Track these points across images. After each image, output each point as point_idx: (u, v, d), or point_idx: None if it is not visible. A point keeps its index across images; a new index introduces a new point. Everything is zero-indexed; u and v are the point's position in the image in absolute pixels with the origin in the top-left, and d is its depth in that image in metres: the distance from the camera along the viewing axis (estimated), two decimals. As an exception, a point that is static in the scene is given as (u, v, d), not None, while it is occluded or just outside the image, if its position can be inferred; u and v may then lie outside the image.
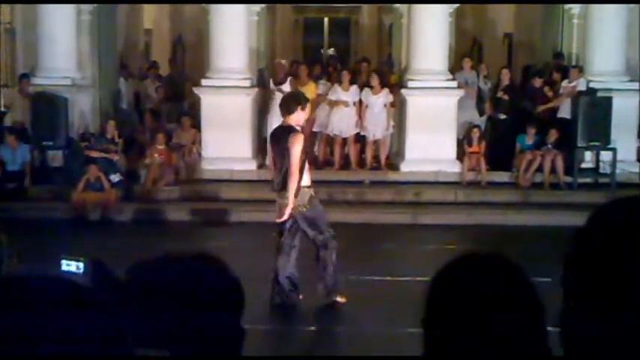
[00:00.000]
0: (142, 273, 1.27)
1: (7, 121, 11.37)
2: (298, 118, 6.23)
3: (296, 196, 6.06)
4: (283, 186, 6.17)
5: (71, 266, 1.64)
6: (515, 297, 1.21)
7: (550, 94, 11.53)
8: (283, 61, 11.83)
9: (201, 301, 1.23)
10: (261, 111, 11.44)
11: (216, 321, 1.23)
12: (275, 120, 11.00)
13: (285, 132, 6.18)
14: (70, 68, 11.15)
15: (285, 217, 6.14)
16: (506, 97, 11.70)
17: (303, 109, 6.23)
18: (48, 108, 10.55)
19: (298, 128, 6.24)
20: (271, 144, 6.44)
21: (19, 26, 12.38)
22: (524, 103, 11.67)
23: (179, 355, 1.20)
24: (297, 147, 6.03)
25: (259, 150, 11.24)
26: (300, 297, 6.36)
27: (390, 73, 12.87)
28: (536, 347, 1.20)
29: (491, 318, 1.18)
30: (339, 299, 6.34)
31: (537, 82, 11.64)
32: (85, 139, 10.77)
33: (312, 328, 6.21)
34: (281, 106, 6.36)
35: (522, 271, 1.24)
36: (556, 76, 11.79)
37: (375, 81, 11.20)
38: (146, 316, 1.20)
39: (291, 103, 6.26)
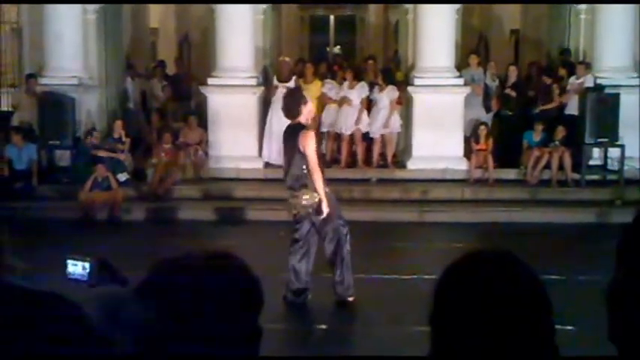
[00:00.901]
0: (162, 271, 1.27)
1: (15, 121, 11.40)
2: (306, 116, 6.19)
3: (316, 191, 6.04)
4: (294, 185, 6.15)
5: (77, 266, 1.64)
6: (523, 294, 1.20)
7: (557, 91, 11.48)
8: (287, 59, 11.83)
9: (221, 299, 1.23)
10: (266, 109, 11.45)
11: (235, 319, 1.23)
12: (275, 117, 11.05)
13: (295, 131, 6.15)
14: (77, 68, 11.17)
15: (325, 212, 6.07)
16: (513, 93, 11.66)
17: (305, 103, 6.16)
18: (55, 108, 10.59)
19: (307, 124, 6.20)
20: (283, 143, 6.42)
21: (25, 26, 12.42)
22: (535, 101, 11.60)
23: (198, 353, 1.20)
24: (310, 146, 6.00)
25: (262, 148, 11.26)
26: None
27: (396, 70, 12.84)
28: (544, 345, 1.19)
29: (499, 315, 1.17)
30: (350, 299, 6.33)
31: (547, 80, 11.58)
32: (89, 134, 10.73)
33: (322, 326, 6.21)
34: (284, 110, 6.33)
35: (530, 268, 1.23)
36: (562, 72, 11.74)
37: (380, 80, 11.20)
38: (165, 314, 1.21)
39: (293, 105, 6.21)
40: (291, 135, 6.18)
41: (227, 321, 1.22)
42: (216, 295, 1.23)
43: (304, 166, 6.04)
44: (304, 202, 6.07)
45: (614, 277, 1.03)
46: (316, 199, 6.06)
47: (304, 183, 6.08)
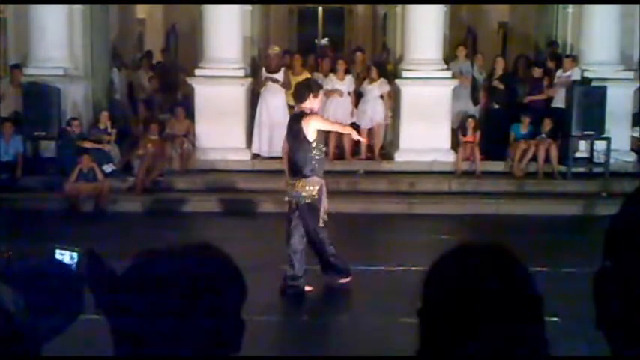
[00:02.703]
0: (144, 263, 1.26)
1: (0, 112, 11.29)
2: (311, 105, 6.26)
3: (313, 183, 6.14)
4: (295, 174, 6.18)
5: (65, 256, 1.62)
6: (513, 287, 1.20)
7: (546, 83, 11.52)
8: (277, 49, 11.78)
9: (202, 291, 1.21)
10: (254, 100, 11.40)
11: (216, 312, 1.22)
12: (265, 109, 11.04)
13: (297, 117, 6.24)
14: (63, 58, 11.06)
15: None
16: (501, 85, 11.67)
17: (315, 95, 6.26)
18: (40, 98, 10.48)
19: (305, 111, 6.27)
20: (286, 132, 6.41)
21: (10, 16, 12.27)
22: (520, 93, 11.63)
23: (178, 346, 1.19)
24: (318, 122, 6.13)
25: (251, 139, 11.23)
26: (308, 288, 6.40)
27: (386, 63, 12.83)
28: (534, 337, 1.19)
29: (489, 308, 1.17)
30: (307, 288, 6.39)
31: (537, 72, 11.61)
32: (68, 124, 10.59)
33: (305, 318, 6.22)
34: (294, 94, 6.56)
35: (520, 261, 1.23)
36: (551, 64, 11.78)
37: (373, 72, 11.18)
38: (146, 306, 1.20)
39: (302, 91, 6.31)
40: (294, 123, 6.24)
41: (209, 313, 1.21)
42: (197, 287, 1.22)
43: (306, 154, 6.09)
44: (302, 193, 6.10)
45: (602, 265, 1.04)
46: (314, 192, 6.10)
47: (304, 173, 6.12)
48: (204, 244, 1.30)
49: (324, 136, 11.34)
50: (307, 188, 6.13)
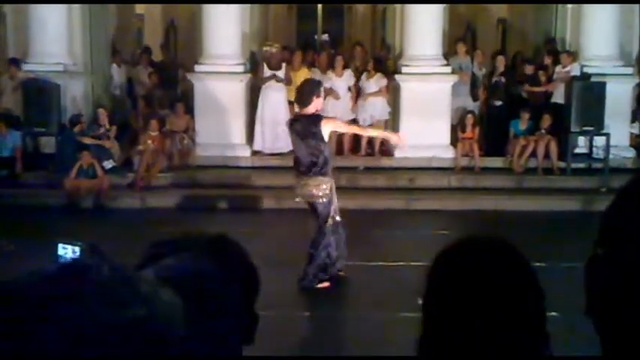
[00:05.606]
0: (156, 255, 1.25)
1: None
2: (316, 106, 6.32)
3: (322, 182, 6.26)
4: (310, 171, 6.22)
5: (67, 250, 1.64)
6: (517, 281, 1.20)
7: (543, 78, 11.52)
8: (269, 44, 11.75)
9: (216, 285, 1.21)
10: (253, 96, 11.39)
11: (231, 305, 1.21)
12: (267, 105, 11.03)
13: (309, 120, 6.24)
14: (62, 54, 11.05)
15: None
16: (503, 79, 11.66)
17: (318, 96, 6.33)
18: (39, 94, 10.48)
19: (320, 114, 6.41)
20: (294, 134, 6.38)
21: (9, 11, 12.25)
22: (515, 90, 11.63)
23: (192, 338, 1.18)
24: (336, 124, 6.53)
25: (251, 135, 11.23)
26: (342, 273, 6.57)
27: (386, 59, 12.83)
28: (536, 332, 1.20)
29: (492, 302, 1.18)
30: (319, 286, 6.44)
31: (529, 70, 11.62)
32: (75, 123, 10.61)
33: (306, 313, 6.23)
34: (296, 99, 6.50)
35: (523, 256, 1.24)
36: (548, 60, 11.78)
37: (370, 66, 11.17)
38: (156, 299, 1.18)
39: (306, 95, 6.31)
40: (306, 124, 6.24)
41: (225, 306, 1.20)
42: (213, 278, 1.21)
43: (321, 154, 6.17)
44: (315, 191, 6.18)
45: (593, 253, 1.05)
46: (327, 190, 6.15)
47: (318, 171, 6.19)
48: (219, 237, 1.29)
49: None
50: (321, 187, 6.22)
